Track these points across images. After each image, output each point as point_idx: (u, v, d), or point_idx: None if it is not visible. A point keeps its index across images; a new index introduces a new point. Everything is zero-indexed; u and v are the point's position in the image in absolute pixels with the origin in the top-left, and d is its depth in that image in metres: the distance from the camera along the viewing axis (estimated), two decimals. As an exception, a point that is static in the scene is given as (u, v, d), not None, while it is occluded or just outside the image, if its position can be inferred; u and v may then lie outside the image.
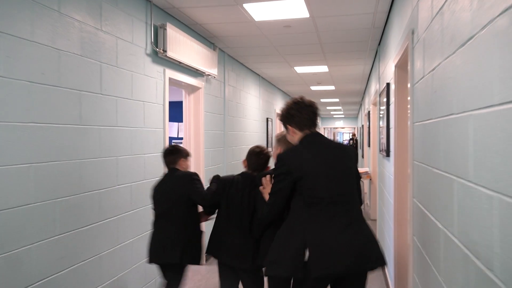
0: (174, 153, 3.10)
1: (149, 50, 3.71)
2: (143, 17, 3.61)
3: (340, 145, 2.41)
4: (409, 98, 2.66)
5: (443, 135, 1.74)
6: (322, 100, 13.82)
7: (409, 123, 2.65)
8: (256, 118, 7.93)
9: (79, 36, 2.77)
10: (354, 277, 2.18)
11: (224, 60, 5.87)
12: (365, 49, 5.75)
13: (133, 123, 3.45)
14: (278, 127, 10.54)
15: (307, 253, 2.05)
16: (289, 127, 2.34)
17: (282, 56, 6.23)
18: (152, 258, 2.96)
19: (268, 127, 8.97)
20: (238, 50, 5.80)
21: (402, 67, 3.42)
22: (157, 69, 3.88)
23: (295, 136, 2.33)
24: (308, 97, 2.40)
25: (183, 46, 4.20)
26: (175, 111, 5.57)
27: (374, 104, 7.52)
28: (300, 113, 2.29)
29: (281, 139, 2.74)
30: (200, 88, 4.98)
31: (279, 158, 2.25)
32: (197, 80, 4.86)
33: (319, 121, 2.63)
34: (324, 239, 2.07)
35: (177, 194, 2.93)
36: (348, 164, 2.28)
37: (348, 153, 2.33)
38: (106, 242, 3.08)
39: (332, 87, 10.11)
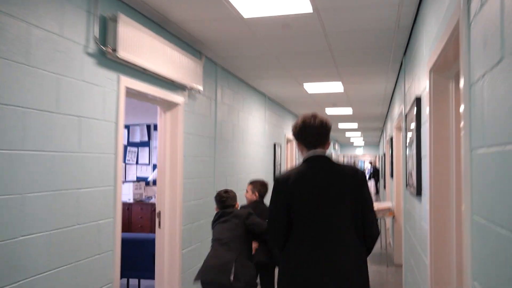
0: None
1: (92, 49, 2.76)
2: (83, 2, 2.68)
3: (342, 170, 2.22)
4: (462, 109, 1.60)
5: None
6: (340, 125, 12.75)
7: (462, 151, 1.58)
8: (260, 144, 6.90)
9: None
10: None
11: (216, 73, 4.91)
12: (387, 60, 4.71)
13: (59, 145, 2.46)
14: (288, 154, 9.50)
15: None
16: (298, 143, 2.34)
17: (286, 70, 5.24)
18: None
19: (276, 153, 7.92)
20: (232, 60, 4.84)
21: (441, 70, 2.37)
22: (107, 74, 2.91)
23: (303, 153, 2.31)
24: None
25: (148, 48, 3.25)
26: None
27: (398, 129, 6.42)
28: (306, 132, 2.27)
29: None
30: (179, 104, 4.00)
31: (275, 180, 2.27)
32: (174, 95, 3.89)
33: (329, 142, 2.38)
34: (295, 272, 2.11)
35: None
36: (341, 192, 2.16)
37: (346, 179, 2.18)
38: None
39: (349, 110, 9.05)
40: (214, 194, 4.90)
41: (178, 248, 3.96)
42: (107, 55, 2.85)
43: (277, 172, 7.93)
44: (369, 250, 2.21)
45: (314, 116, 2.28)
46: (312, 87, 6.35)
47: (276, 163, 7.89)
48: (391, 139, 6.85)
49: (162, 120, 4.00)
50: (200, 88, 4.22)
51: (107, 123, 2.91)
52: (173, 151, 3.97)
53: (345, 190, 2.15)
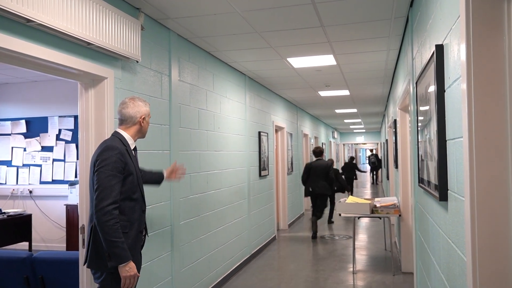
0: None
1: None
2: None
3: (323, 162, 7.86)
4: None
5: None
6: (337, 111, 11.65)
7: None
8: (240, 132, 5.83)
9: None
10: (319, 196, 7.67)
11: (169, 40, 3.83)
12: (388, 15, 3.61)
13: None
14: (279, 144, 8.42)
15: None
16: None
17: (260, 35, 4.14)
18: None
19: (262, 144, 6.84)
20: (188, 24, 3.74)
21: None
22: None
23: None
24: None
25: (32, -11, 2.17)
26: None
27: (403, 110, 5.34)
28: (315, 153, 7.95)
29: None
30: (106, 78, 2.93)
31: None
32: (97, 64, 2.82)
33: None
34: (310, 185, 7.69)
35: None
36: (323, 168, 7.68)
37: (326, 165, 7.75)
38: None
39: (346, 92, 7.95)
40: (172, 198, 3.87)
41: (111, 274, 2.89)
42: None
43: (263, 165, 6.86)
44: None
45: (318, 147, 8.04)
46: (297, 62, 5.26)
47: (262, 155, 6.81)
48: (395, 122, 5.77)
49: (83, 100, 2.92)
50: (137, 58, 3.14)
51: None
52: (98, 144, 2.90)
53: (324, 168, 7.65)
